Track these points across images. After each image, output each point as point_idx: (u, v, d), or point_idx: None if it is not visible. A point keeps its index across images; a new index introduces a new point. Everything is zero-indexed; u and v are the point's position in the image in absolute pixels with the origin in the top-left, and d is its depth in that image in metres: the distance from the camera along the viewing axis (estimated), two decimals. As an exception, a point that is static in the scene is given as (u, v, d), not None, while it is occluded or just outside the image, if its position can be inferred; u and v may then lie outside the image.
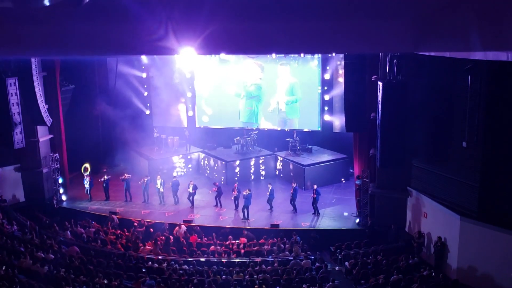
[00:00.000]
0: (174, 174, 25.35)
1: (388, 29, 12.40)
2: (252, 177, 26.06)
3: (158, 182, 23.38)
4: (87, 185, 24.08)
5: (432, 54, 14.29)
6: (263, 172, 26.31)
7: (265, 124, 27.76)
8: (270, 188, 22.22)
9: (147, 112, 29.08)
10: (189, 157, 27.37)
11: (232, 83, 27.77)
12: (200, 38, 12.27)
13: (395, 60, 17.54)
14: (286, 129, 27.30)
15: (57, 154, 24.08)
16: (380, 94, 17.44)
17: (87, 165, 24.58)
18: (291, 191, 22.07)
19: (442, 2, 10.49)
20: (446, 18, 11.44)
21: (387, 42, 13.21)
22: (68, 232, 19.64)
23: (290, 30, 12.34)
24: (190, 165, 27.31)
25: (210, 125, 28.84)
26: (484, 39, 10.57)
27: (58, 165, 24.07)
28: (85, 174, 24.25)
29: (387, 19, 12.05)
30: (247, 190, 21.69)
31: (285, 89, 26.97)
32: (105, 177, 24.13)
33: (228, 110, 28.31)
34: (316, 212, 21.68)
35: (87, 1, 5.86)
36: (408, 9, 11.21)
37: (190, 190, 22.83)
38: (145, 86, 28.82)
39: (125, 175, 24.13)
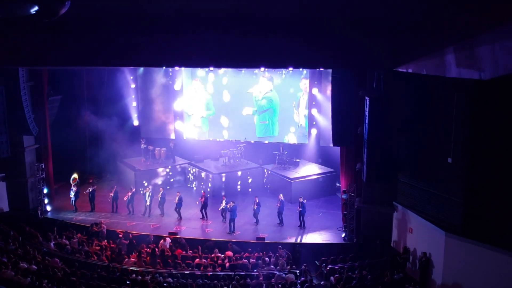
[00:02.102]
0: (161, 186, 25.17)
1: (367, 45, 12.63)
2: (239, 189, 25.95)
3: (147, 194, 23.27)
4: (72, 196, 23.88)
5: (410, 71, 14.52)
6: (250, 185, 26.23)
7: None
8: (257, 201, 22.19)
9: (135, 123, 28.98)
10: (169, 170, 27.15)
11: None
12: (187, 52, 12.42)
13: (382, 76, 17.68)
14: (273, 142, 27.41)
15: (43, 164, 23.83)
16: (367, 109, 17.54)
17: (75, 175, 24.38)
18: (278, 204, 22.02)
19: (419, 22, 10.78)
20: (423, 36, 11.70)
21: (366, 58, 13.45)
22: (51, 244, 19.42)
23: (275, 45, 12.52)
24: (176, 177, 27.18)
25: (197, 137, 28.81)
26: (458, 58, 10.88)
27: (44, 175, 23.83)
28: (72, 184, 24.03)
29: (367, 36, 12.28)
30: (231, 202, 21.62)
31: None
32: (90, 188, 23.94)
33: (216, 123, 28.34)
34: (302, 225, 21.68)
35: (63, 12, 5.86)
36: (387, 27, 11.45)
37: (176, 200, 22.71)
38: (133, 96, 28.76)
39: (113, 188, 23.96)
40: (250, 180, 26.24)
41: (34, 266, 16.36)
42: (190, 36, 13.33)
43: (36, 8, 5.53)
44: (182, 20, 11.41)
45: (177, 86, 28.35)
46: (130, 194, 23.41)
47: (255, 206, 22.03)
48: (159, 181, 26.17)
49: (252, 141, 27.74)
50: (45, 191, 23.87)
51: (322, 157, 26.41)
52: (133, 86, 28.57)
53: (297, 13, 10.36)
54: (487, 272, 15.17)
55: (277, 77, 26.96)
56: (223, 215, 22.31)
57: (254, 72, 26.79)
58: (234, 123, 28.05)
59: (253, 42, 12.47)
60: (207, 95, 28.23)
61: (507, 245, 14.71)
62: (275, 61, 14.69)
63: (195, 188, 26.52)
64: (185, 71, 27.88)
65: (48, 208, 23.93)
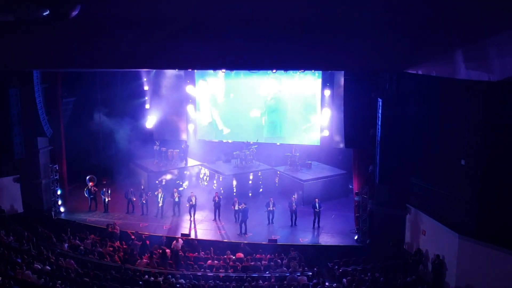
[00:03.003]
0: (174, 187, 25.22)
1: (377, 47, 12.57)
2: (251, 191, 25.92)
3: (159, 195, 23.37)
4: (90, 196, 24.13)
5: (420, 73, 14.45)
6: (262, 187, 26.22)
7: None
8: (272, 201, 22.19)
9: (148, 125, 29.08)
10: (187, 172, 27.24)
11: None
12: (199, 54, 12.46)
13: (395, 77, 17.60)
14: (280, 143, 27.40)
15: (57, 165, 24.04)
16: (379, 111, 17.48)
17: (93, 176, 24.61)
18: (293, 206, 21.99)
19: (428, 23, 10.77)
20: (432, 37, 11.66)
21: (376, 60, 13.41)
22: (65, 245, 19.57)
23: (286, 47, 12.51)
24: (188, 179, 27.21)
25: (209, 139, 28.86)
26: (468, 60, 10.86)
27: (58, 176, 24.04)
28: (90, 185, 24.19)
29: (376, 37, 12.26)
30: (243, 204, 21.63)
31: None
32: (107, 199, 24.09)
33: (229, 124, 28.39)
34: (317, 226, 21.65)
35: (73, 15, 5.92)
36: (396, 28, 11.44)
37: (193, 202, 22.76)
38: (146, 98, 28.88)
39: (129, 191, 24.19)
40: (261, 187, 26.11)
41: (47, 267, 16.50)
42: (202, 38, 13.38)
43: (47, 11, 5.60)
44: (194, 23, 11.47)
45: (189, 89, 28.42)
46: (145, 196, 23.60)
47: (272, 208, 22.03)
48: (172, 182, 26.20)
49: (263, 142, 27.68)
50: (59, 192, 24.08)
51: (334, 159, 26.29)
52: (146, 88, 28.69)
53: (306, 15, 10.40)
54: (501, 275, 15.04)
55: (288, 78, 26.88)
56: (236, 216, 22.34)
57: (264, 73, 26.70)
58: (245, 124, 28.03)
59: (265, 44, 12.48)
60: (217, 97, 28.26)
61: (521, 248, 14.61)
62: (286, 63, 14.69)
63: (207, 189, 26.51)
64: (196, 74, 27.96)
65: (62, 209, 24.14)
